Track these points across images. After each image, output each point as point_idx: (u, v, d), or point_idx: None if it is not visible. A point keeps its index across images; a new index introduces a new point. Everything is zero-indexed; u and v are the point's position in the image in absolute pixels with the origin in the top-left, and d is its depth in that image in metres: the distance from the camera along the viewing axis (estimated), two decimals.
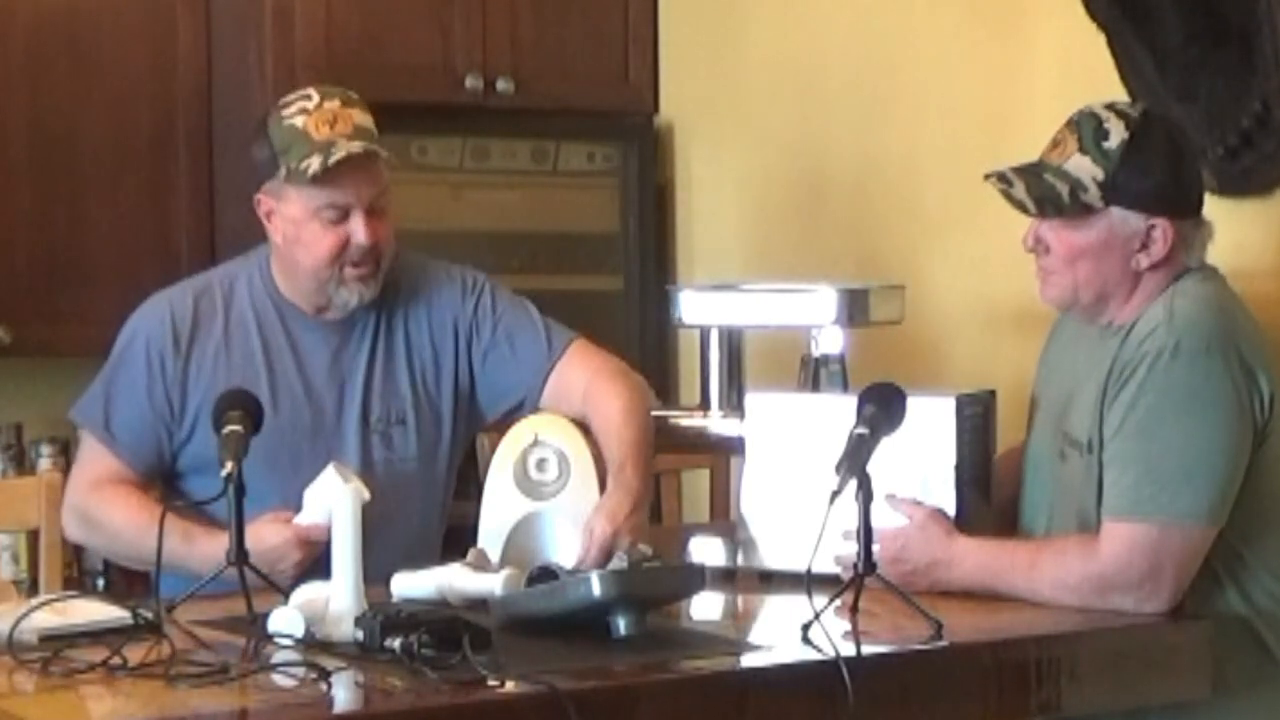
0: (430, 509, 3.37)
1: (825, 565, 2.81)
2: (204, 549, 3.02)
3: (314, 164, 3.18)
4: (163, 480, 3.34)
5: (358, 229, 3.23)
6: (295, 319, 3.34)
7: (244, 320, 3.34)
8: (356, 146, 3.20)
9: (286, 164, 3.22)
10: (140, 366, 3.30)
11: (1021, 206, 3.04)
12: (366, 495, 2.80)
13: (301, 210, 3.24)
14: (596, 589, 2.60)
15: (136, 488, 3.29)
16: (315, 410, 3.30)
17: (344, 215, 3.24)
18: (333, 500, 2.72)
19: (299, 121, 3.23)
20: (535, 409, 3.30)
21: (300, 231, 3.26)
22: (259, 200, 3.30)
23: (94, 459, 3.32)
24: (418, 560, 3.09)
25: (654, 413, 3.45)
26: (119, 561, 3.49)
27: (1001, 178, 3.06)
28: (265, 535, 3.02)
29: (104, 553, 3.56)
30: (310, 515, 2.97)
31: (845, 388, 3.41)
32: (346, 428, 3.31)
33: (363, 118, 3.26)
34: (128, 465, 3.30)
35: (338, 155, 3.18)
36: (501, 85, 4.53)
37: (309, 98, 3.26)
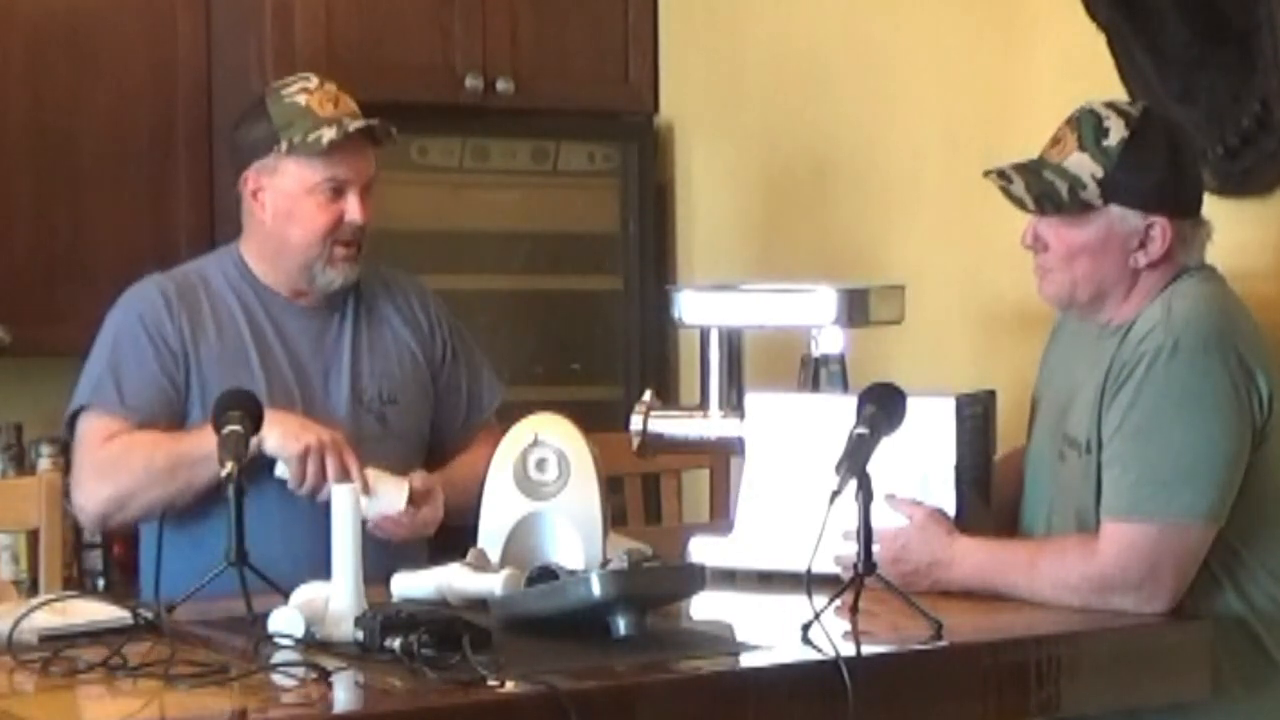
0: None
1: (825, 565, 2.81)
2: (203, 432, 3.07)
3: (328, 134, 3.29)
4: None
5: (353, 206, 3.34)
6: (274, 303, 3.42)
7: (226, 302, 3.41)
8: (368, 121, 3.31)
9: (289, 138, 3.31)
10: (142, 339, 3.35)
11: (1020, 203, 3.04)
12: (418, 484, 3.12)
13: (299, 185, 3.33)
14: (596, 589, 2.60)
15: None
16: (305, 389, 3.38)
17: (339, 193, 3.33)
18: (333, 499, 2.72)
19: (301, 100, 3.33)
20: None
21: (295, 206, 3.34)
22: (246, 178, 3.39)
23: (102, 428, 3.31)
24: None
25: (653, 413, 3.47)
26: (154, 498, 3.25)
27: (1001, 174, 3.06)
28: (314, 423, 3.20)
29: (136, 494, 3.27)
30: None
31: (845, 388, 3.41)
32: (336, 407, 3.38)
33: (354, 105, 3.38)
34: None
35: (356, 124, 3.31)
36: (501, 85, 4.53)
37: (308, 79, 3.38)
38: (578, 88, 4.67)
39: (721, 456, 3.70)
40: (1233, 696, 2.92)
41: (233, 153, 3.47)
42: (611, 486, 3.28)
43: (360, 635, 2.52)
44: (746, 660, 2.68)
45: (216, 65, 4.43)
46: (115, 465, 3.29)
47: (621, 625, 2.60)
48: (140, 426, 3.31)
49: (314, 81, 3.36)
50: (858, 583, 2.78)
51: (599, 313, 4.74)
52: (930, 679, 2.69)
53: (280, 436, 3.16)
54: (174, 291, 3.39)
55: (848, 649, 2.60)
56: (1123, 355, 2.97)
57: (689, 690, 2.53)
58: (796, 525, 2.93)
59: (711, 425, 3.48)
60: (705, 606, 2.88)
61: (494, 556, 3.01)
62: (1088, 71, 3.68)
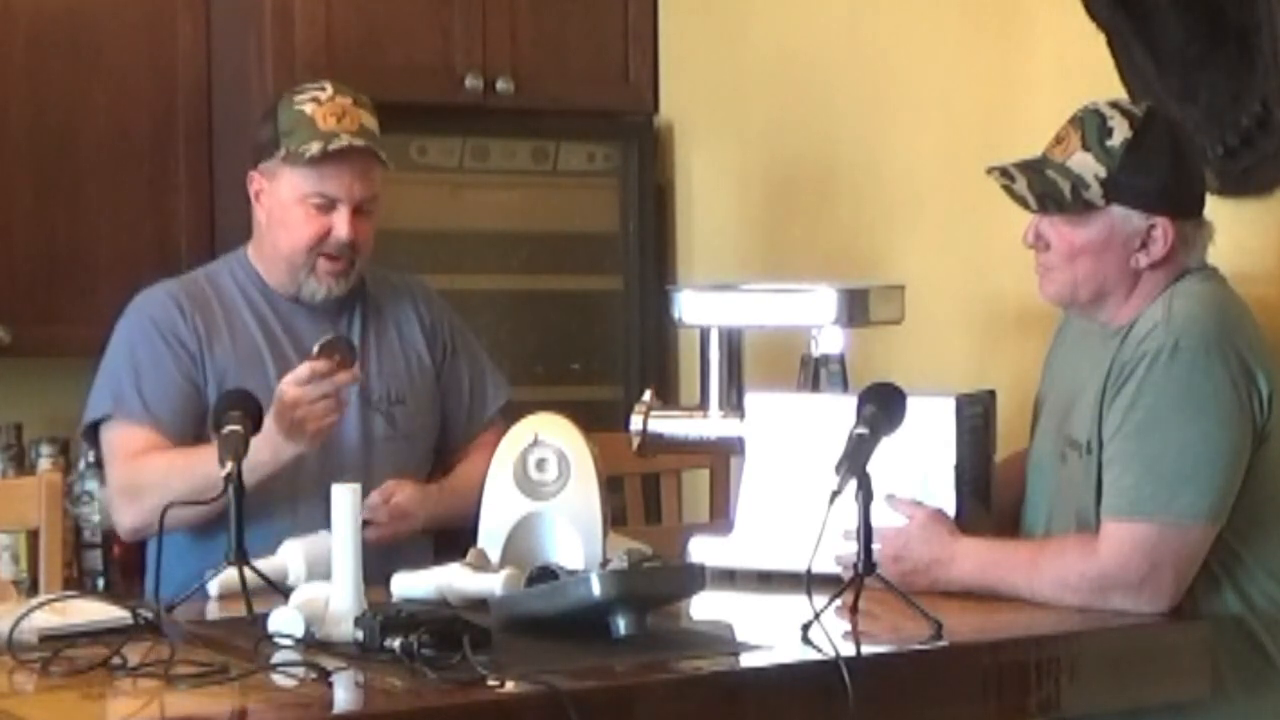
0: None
1: (825, 565, 2.81)
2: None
3: (314, 148, 3.29)
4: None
5: (341, 223, 3.33)
6: (283, 305, 3.44)
7: (236, 305, 3.43)
8: (359, 141, 3.27)
9: (287, 145, 3.32)
10: (158, 343, 3.36)
11: (1023, 202, 3.04)
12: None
13: (291, 193, 3.34)
14: (596, 589, 2.60)
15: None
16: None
17: (330, 207, 3.34)
18: (333, 500, 2.71)
19: (308, 108, 3.33)
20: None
21: (285, 214, 3.35)
22: (252, 177, 3.42)
23: (129, 440, 3.33)
24: (416, 535, 3.25)
25: (653, 413, 3.47)
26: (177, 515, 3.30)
27: (1004, 173, 3.06)
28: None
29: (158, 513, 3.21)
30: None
31: (845, 388, 3.41)
32: (344, 406, 3.35)
33: (370, 120, 3.37)
34: (173, 442, 3.31)
35: (339, 144, 3.27)
36: (501, 85, 4.53)
37: (323, 89, 3.37)
38: (578, 88, 4.67)
39: (721, 456, 3.70)
40: (1231, 697, 2.92)
41: (250, 149, 3.48)
42: (611, 486, 3.28)
43: (360, 635, 2.52)
44: (746, 660, 2.67)
45: (216, 65, 4.43)
46: (139, 489, 3.30)
47: (621, 625, 2.60)
48: (165, 431, 3.31)
49: (328, 91, 3.35)
50: (858, 583, 2.78)
51: (599, 313, 4.74)
52: (930, 679, 2.69)
53: (273, 431, 3.10)
54: (184, 295, 3.40)
55: (848, 649, 2.60)
56: (1123, 355, 2.97)
57: (689, 690, 2.53)
58: (796, 525, 2.93)
59: (711, 425, 3.48)
60: (705, 606, 2.88)
61: (494, 556, 3.01)
62: (1088, 71, 3.68)
